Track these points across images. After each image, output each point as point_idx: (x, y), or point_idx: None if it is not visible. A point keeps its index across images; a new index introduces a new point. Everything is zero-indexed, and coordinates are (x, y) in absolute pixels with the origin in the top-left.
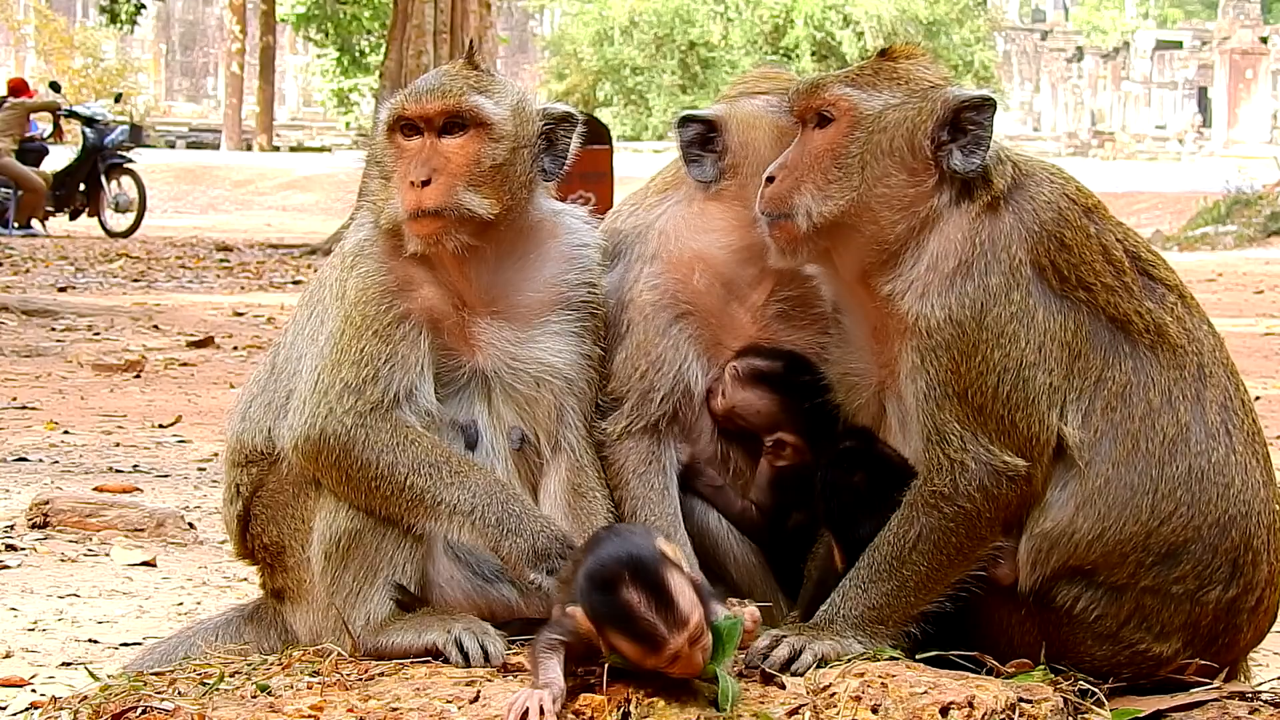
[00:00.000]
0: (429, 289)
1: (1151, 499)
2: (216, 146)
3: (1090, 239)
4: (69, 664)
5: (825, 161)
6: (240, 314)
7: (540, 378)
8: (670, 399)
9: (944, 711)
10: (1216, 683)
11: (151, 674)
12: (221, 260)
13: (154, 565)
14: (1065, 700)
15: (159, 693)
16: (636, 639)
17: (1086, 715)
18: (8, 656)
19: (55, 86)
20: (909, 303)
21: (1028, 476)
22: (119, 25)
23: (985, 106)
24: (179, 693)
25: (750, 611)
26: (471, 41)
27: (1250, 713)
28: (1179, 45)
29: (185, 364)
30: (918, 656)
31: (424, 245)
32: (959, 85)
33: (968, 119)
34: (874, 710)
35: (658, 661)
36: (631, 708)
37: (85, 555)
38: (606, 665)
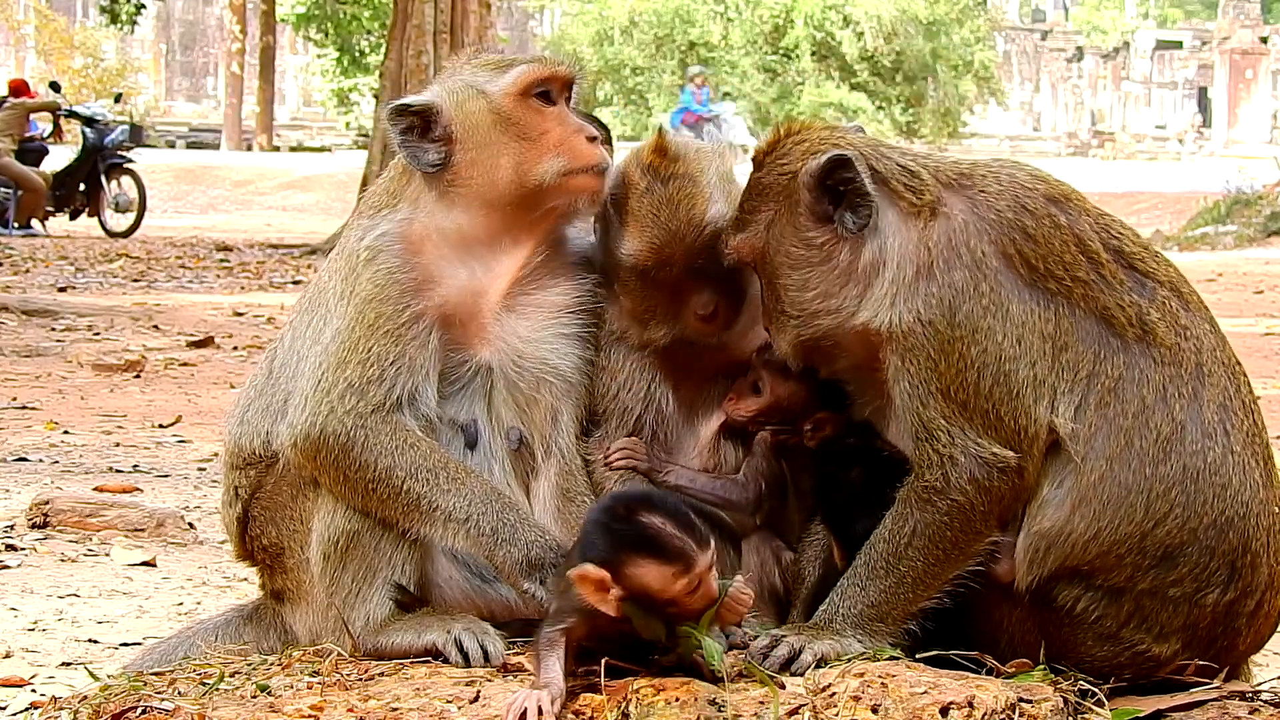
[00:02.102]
0: (451, 283)
1: (1146, 498)
2: (216, 146)
3: (1059, 229)
4: (69, 664)
5: (766, 303)
6: (240, 314)
7: (541, 378)
8: (646, 417)
9: (944, 711)
10: (1216, 682)
11: (151, 674)
12: (221, 260)
13: (154, 565)
14: (1065, 700)
15: (159, 693)
16: (666, 558)
17: (1086, 715)
18: (8, 656)
19: (55, 86)
20: (880, 318)
21: (1019, 469)
22: (119, 25)
23: (837, 165)
24: (179, 693)
25: (740, 584)
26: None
27: (1250, 713)
28: (1179, 45)
29: (185, 364)
30: (918, 656)
31: (588, 202)
32: (814, 154)
33: (836, 181)
34: (874, 710)
35: (686, 585)
36: (631, 708)
37: (85, 555)
38: (604, 664)
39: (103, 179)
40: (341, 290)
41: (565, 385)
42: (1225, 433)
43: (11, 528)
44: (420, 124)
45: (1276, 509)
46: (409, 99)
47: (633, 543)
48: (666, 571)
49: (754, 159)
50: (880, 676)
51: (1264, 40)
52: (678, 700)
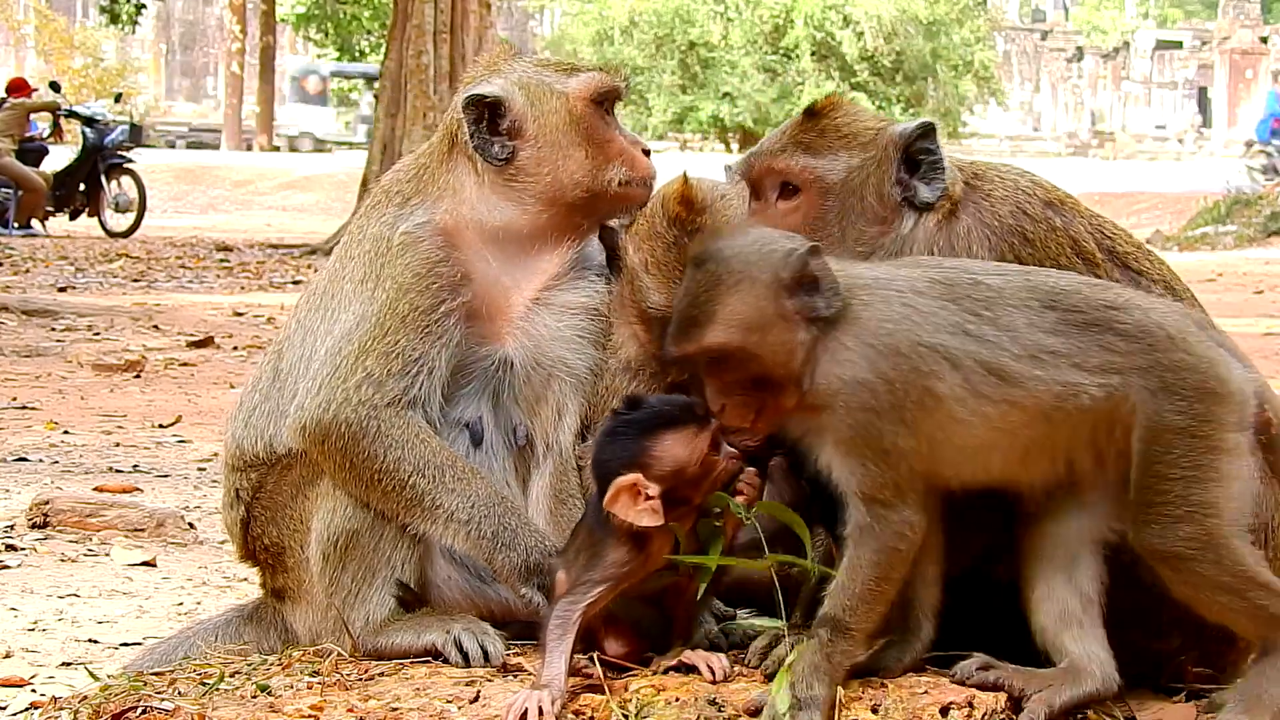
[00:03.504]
0: (483, 279)
1: None
2: (216, 146)
3: (1055, 231)
4: (69, 664)
5: (804, 233)
6: (240, 314)
7: (555, 374)
8: None
9: (944, 711)
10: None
11: (151, 674)
12: (221, 260)
13: (154, 565)
14: None
15: (159, 693)
16: (681, 423)
17: (1086, 715)
18: (8, 656)
19: (55, 86)
20: None
21: None
22: (119, 25)
23: (928, 132)
24: (179, 693)
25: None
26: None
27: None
28: (1179, 45)
29: (185, 364)
30: None
31: (637, 209)
32: (892, 122)
33: (917, 149)
34: (874, 710)
35: (709, 442)
36: (631, 707)
37: (85, 555)
38: (603, 664)
39: (103, 179)
40: (365, 276)
41: (575, 383)
42: None
43: (11, 528)
44: (488, 116)
45: (1275, 503)
46: (482, 89)
47: (644, 429)
48: (688, 434)
49: (811, 111)
50: (880, 676)
51: (1264, 40)
52: (678, 700)
